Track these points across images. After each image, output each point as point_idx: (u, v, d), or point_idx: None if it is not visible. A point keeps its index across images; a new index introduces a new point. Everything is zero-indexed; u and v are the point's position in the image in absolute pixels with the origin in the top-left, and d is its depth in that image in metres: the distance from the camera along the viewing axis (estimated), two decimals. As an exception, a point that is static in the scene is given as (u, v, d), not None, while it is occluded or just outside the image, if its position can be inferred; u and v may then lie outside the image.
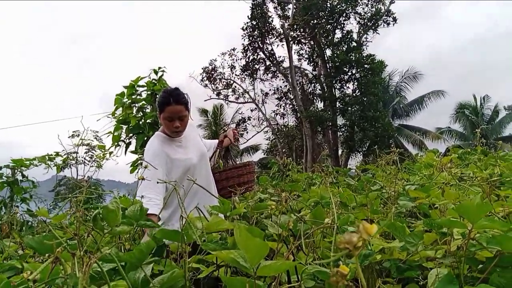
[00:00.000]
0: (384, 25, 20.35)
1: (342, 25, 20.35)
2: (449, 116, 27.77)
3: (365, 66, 18.69)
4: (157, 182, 2.12)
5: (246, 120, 25.00)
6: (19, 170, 5.31)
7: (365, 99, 18.54)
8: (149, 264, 1.21)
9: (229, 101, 24.21)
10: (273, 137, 24.84)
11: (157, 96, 4.06)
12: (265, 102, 23.81)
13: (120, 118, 4.06)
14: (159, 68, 4.24)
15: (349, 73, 19.44)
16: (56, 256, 0.99)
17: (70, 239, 1.61)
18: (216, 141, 2.94)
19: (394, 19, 20.27)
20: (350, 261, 1.32)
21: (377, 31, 20.33)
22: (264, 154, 27.22)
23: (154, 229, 1.41)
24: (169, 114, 2.44)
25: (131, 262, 1.13)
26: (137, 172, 3.89)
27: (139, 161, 3.95)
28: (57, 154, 5.44)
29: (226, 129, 28.73)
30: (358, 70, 18.99)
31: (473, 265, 1.30)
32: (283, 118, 23.85)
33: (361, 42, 20.29)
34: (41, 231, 3.23)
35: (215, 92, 23.61)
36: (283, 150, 23.56)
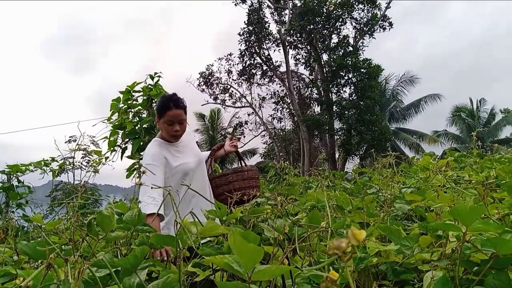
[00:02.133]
0: (380, 30, 20.45)
1: (339, 30, 20.41)
2: (446, 119, 27.88)
3: (362, 70, 18.74)
4: (156, 187, 2.13)
5: (243, 124, 25.02)
6: (14, 175, 5.29)
7: (361, 102, 18.58)
8: (144, 269, 1.21)
9: (226, 106, 24.22)
10: (270, 141, 24.85)
11: (154, 101, 4.07)
12: (262, 107, 23.85)
13: (116, 123, 4.05)
14: (155, 73, 4.24)
15: (346, 77, 19.48)
16: (49, 262, 0.99)
17: (65, 245, 1.60)
18: (208, 153, 2.94)
19: (390, 24, 20.38)
20: (344, 265, 1.32)
21: (373, 36, 20.42)
22: (261, 158, 27.22)
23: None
24: (169, 118, 2.49)
25: (126, 267, 1.13)
26: (133, 176, 3.87)
27: (136, 166, 3.94)
28: (53, 159, 5.41)
29: (223, 133, 28.51)
30: (355, 74, 19.04)
31: (468, 267, 1.30)
32: (280, 122, 23.89)
33: (358, 46, 20.37)
34: (36, 236, 3.21)
35: (212, 97, 23.62)
36: (280, 154, 23.57)
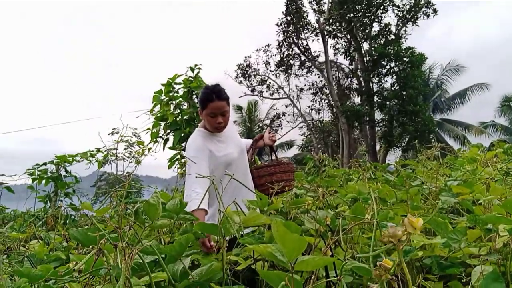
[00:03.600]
0: (423, 17, 19.70)
1: (380, 18, 19.82)
2: (494, 109, 26.60)
3: (404, 59, 18.14)
4: (201, 177, 2.18)
5: (281, 116, 24.96)
6: (62, 166, 5.53)
7: (404, 93, 18.02)
8: (188, 257, 1.23)
9: (264, 97, 24.20)
10: (308, 133, 24.65)
11: (194, 93, 4.12)
12: (300, 98, 23.65)
13: (158, 115, 4.15)
14: (195, 65, 4.28)
15: (387, 67, 18.93)
16: (99, 248, 1.03)
17: (112, 232, 1.66)
18: (250, 141, 2.94)
19: (434, 11, 19.57)
20: (389, 258, 1.29)
21: (416, 23, 19.71)
22: (299, 150, 27.10)
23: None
24: (212, 110, 2.47)
25: (171, 254, 1.16)
26: (175, 167, 3.96)
27: (177, 157, 4.02)
28: (98, 150, 5.63)
29: (260, 124, 28.54)
30: (397, 63, 18.46)
31: (521, 263, 1.24)
32: (319, 114, 23.61)
33: (400, 34, 19.73)
34: (83, 224, 3.35)
35: (249, 89, 23.67)
36: (319, 146, 23.36)
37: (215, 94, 2.47)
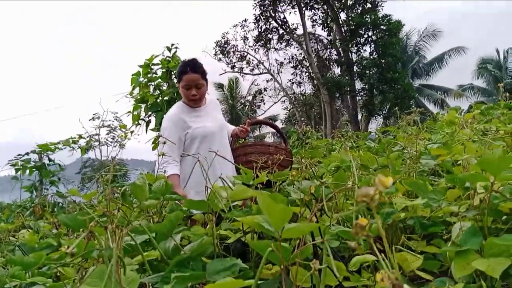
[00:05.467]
0: (399, -17, 19.62)
1: (356, -14, 19.71)
2: (471, 72, 26.93)
3: (382, 27, 18.16)
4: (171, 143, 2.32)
5: (263, 91, 24.90)
6: (45, 154, 5.47)
7: (383, 61, 18.13)
8: (178, 234, 1.26)
9: (244, 74, 24.08)
10: (291, 107, 24.69)
11: (172, 73, 4.08)
12: (281, 72, 23.56)
13: (138, 97, 4.11)
14: (172, 45, 4.23)
15: (365, 36, 18.95)
16: (90, 230, 1.04)
17: (100, 216, 1.67)
18: (234, 128, 2.90)
19: (409, -25, 19.50)
20: (373, 221, 1.34)
21: (392, -10, 19.64)
22: (282, 124, 27.17)
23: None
24: (186, 82, 2.56)
25: (162, 232, 1.18)
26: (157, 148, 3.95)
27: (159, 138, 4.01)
28: (80, 136, 5.57)
29: (243, 101, 28.29)
30: (375, 32, 18.49)
31: (497, 217, 1.30)
32: (300, 87, 23.61)
33: (376, 2, 19.66)
34: (72, 210, 3.35)
35: (229, 66, 23.46)
36: (302, 119, 23.45)
37: (189, 66, 2.57)
